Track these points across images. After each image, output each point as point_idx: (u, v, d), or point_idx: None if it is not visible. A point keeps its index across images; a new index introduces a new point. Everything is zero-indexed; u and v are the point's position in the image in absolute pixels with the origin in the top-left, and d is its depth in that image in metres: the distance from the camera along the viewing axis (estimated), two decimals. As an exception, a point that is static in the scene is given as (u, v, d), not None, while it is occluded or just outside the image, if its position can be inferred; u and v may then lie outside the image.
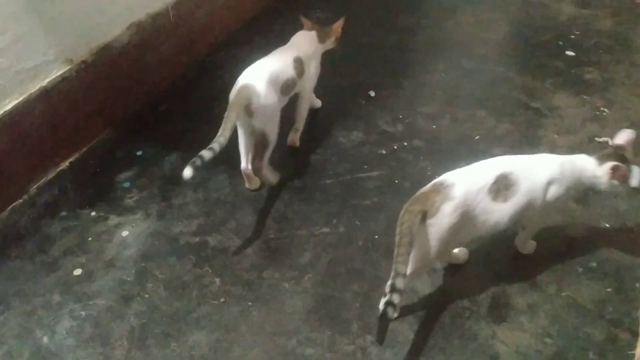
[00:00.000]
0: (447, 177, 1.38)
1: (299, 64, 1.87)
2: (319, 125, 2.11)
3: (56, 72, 1.87)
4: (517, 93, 2.19)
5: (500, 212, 1.37)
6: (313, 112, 2.15)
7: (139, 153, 2.01)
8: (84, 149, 2.01)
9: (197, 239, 1.69)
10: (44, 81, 1.84)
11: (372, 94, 2.23)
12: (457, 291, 1.51)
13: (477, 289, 1.51)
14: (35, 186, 1.87)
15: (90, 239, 1.71)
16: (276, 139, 1.78)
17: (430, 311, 1.47)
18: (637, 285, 1.49)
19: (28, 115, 1.80)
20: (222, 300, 1.52)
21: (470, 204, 1.34)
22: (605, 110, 2.07)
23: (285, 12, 2.77)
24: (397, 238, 1.30)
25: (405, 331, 1.42)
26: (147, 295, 1.54)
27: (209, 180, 1.88)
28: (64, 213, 1.79)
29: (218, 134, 1.61)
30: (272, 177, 1.83)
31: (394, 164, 1.91)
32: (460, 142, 1.98)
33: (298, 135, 2.01)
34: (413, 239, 1.30)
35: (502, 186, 1.36)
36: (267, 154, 1.77)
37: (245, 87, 1.71)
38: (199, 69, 2.42)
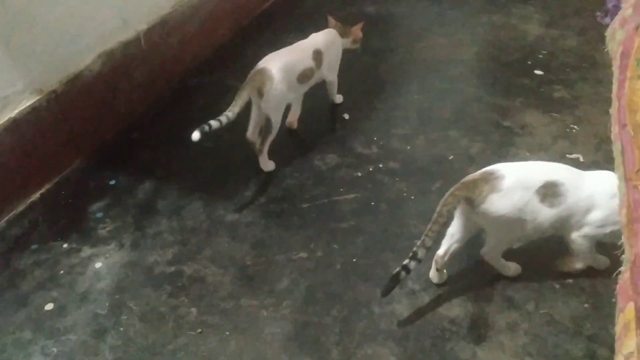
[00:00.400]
0: (499, 167, 1.44)
1: (318, 56, 2.06)
2: (295, 149, 2.11)
3: (25, 102, 1.84)
4: (489, 112, 2.22)
5: (544, 215, 1.41)
6: (288, 136, 2.16)
7: (112, 182, 1.98)
8: (56, 180, 1.98)
9: (172, 269, 1.66)
10: (13, 112, 1.81)
11: (347, 116, 2.24)
12: (437, 313, 1.50)
13: (456, 310, 1.50)
14: (4, 219, 1.82)
15: (62, 272, 1.67)
16: (277, 128, 1.95)
17: (411, 334, 1.46)
18: (613, 300, 1.50)
19: (6, 141, 1.77)
20: (199, 330, 1.49)
21: (517, 201, 1.39)
22: (575, 127, 2.11)
23: (256, 38, 2.79)
24: (434, 215, 1.41)
25: (386, 355, 1.41)
26: (122, 329, 1.50)
27: (183, 208, 1.86)
28: (34, 246, 1.75)
29: (228, 109, 1.81)
30: (267, 164, 2.00)
31: (370, 186, 1.91)
32: (435, 163, 1.99)
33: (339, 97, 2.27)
34: (448, 220, 1.43)
35: (550, 192, 1.41)
36: (268, 140, 1.96)
37: (261, 70, 1.90)
38: (172, 95, 2.41)
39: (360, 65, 2.55)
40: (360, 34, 2.21)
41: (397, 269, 1.40)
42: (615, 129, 1.26)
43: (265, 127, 1.95)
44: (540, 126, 2.13)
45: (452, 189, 1.43)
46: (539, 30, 2.73)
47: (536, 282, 1.56)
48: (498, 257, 1.55)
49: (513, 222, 1.43)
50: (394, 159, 2.02)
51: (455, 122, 2.17)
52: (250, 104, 1.92)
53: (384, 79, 2.47)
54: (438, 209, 1.41)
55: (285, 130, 2.18)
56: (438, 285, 1.57)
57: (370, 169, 1.98)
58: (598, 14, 2.72)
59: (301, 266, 1.65)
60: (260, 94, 1.87)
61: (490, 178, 1.42)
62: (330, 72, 2.17)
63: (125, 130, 2.20)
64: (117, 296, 1.59)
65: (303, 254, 1.68)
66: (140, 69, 2.27)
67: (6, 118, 1.79)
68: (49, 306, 1.58)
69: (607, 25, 1.73)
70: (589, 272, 1.56)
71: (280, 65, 1.91)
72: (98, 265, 1.68)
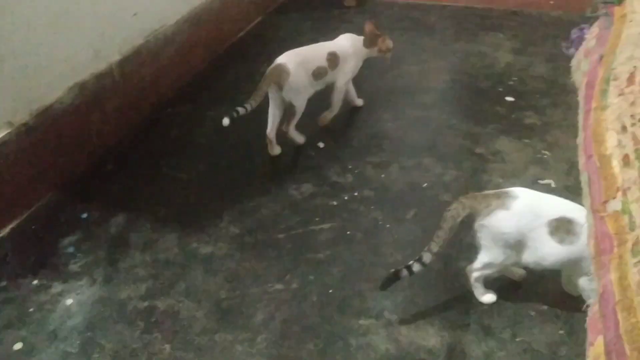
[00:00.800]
0: (516, 190, 1.45)
1: (334, 58, 2.21)
2: (271, 179, 2.11)
3: (-5, 136, 1.82)
4: (462, 139, 2.25)
5: (550, 249, 1.40)
6: (263, 165, 2.16)
7: (84, 215, 1.95)
8: (25, 214, 1.94)
9: (145, 304, 1.63)
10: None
11: (321, 145, 2.25)
12: (414, 343, 1.49)
13: (433, 340, 1.50)
14: (-28, 255, 1.78)
15: (31, 309, 1.63)
16: (302, 110, 2.16)
17: (388, 366, 1.45)
18: (585, 325, 1.51)
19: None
20: (174, 367, 1.46)
21: (524, 225, 1.38)
22: (546, 152, 2.14)
23: (231, 67, 2.80)
24: (441, 221, 1.45)
25: (363, 388, 1.39)
26: (93, 369, 1.47)
27: (156, 241, 1.84)
28: (3, 283, 1.71)
29: (249, 99, 2.03)
30: (298, 137, 2.22)
31: (345, 215, 1.91)
32: (409, 190, 2.00)
33: (329, 117, 2.33)
34: (454, 227, 1.44)
35: (563, 228, 1.39)
36: (294, 121, 2.17)
37: (278, 66, 2.10)
38: (146, 126, 2.40)
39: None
40: (387, 44, 2.31)
41: (401, 267, 1.46)
42: (582, 160, 1.28)
43: (289, 110, 2.14)
44: (513, 152, 2.16)
45: (460, 197, 1.46)
46: (509, 58, 2.79)
47: (512, 309, 1.56)
48: (481, 279, 1.55)
49: (512, 244, 1.43)
50: (369, 187, 2.02)
51: (429, 150, 2.20)
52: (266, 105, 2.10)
53: (357, 107, 2.49)
54: (443, 214, 1.46)
55: (260, 159, 2.18)
56: (413, 315, 1.56)
57: (346, 198, 1.98)
58: (563, 44, 2.79)
59: (277, 298, 1.63)
60: (280, 86, 2.08)
61: (502, 196, 1.44)
62: (340, 77, 2.26)
63: (98, 163, 2.18)
64: (89, 334, 1.55)
65: (279, 286, 1.67)
66: (113, 101, 2.26)
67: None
68: (18, 345, 1.53)
69: (572, 56, 1.77)
70: (564, 298, 1.57)
71: (296, 60, 2.10)
72: (69, 301, 1.64)
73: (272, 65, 2.11)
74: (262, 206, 1.97)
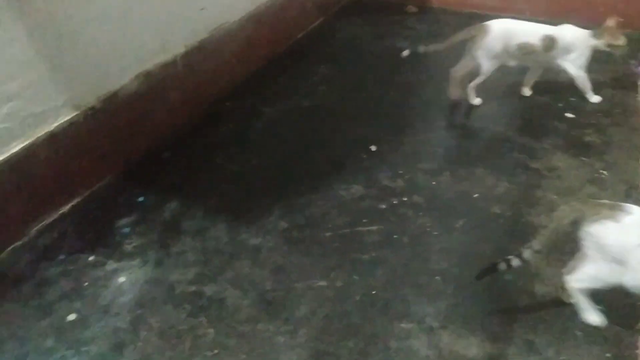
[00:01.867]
0: (631, 206, 1.41)
1: (549, 41, 2.30)
2: (320, 177, 2.13)
3: (63, 117, 1.91)
4: (517, 152, 2.21)
5: None
6: (313, 164, 2.18)
7: (141, 199, 2.02)
8: (86, 194, 2.03)
9: (193, 288, 1.68)
10: (52, 126, 1.88)
11: (374, 148, 2.26)
12: (454, 352, 1.48)
13: (474, 350, 1.48)
14: (35, 228, 1.88)
15: (86, 284, 1.70)
16: (487, 74, 2.32)
17: (427, 371, 1.44)
18: (637, 351, 1.47)
19: (34, 159, 1.83)
20: (216, 351, 1.50)
21: (630, 242, 1.34)
22: (604, 172, 2.09)
23: (290, 66, 2.85)
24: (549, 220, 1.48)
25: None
26: (140, 344, 1.52)
27: (207, 228, 1.89)
28: (62, 257, 1.79)
29: (440, 44, 2.31)
30: (473, 98, 2.41)
31: (393, 219, 1.92)
32: (460, 200, 1.99)
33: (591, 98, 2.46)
34: (560, 228, 1.43)
35: None
36: (477, 81, 2.35)
37: (483, 25, 2.28)
38: (204, 118, 2.46)
39: (387, 98, 2.58)
40: (616, 38, 2.32)
41: (499, 260, 1.47)
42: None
43: (475, 69, 2.31)
44: (569, 169, 2.11)
45: (571, 201, 1.47)
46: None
47: (557, 327, 1.53)
48: (583, 292, 1.48)
49: (613, 260, 1.36)
50: (419, 194, 2.02)
51: (482, 161, 2.17)
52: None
53: (411, 113, 2.49)
54: (551, 215, 1.50)
55: (312, 158, 2.21)
56: (454, 325, 1.55)
57: (395, 202, 1.99)
58: (632, 62, 2.70)
59: (320, 295, 1.65)
60: (474, 42, 2.26)
61: (615, 208, 1.40)
62: (571, 66, 2.39)
63: (157, 150, 2.26)
64: (138, 311, 1.61)
65: (323, 283, 1.69)
66: (175, 91, 2.34)
67: (44, 132, 1.86)
68: (72, 316, 1.61)
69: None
70: (613, 320, 1.53)
71: (503, 27, 2.27)
72: (122, 279, 1.71)
73: (482, 24, 2.29)
74: (312, 204, 2.00)
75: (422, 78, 2.73)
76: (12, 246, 1.81)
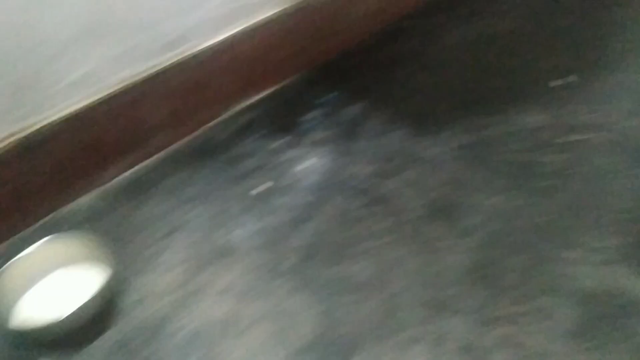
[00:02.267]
0: None
1: None
2: (503, 102, 2.07)
3: (266, 13, 2.03)
4: None
5: None
6: (496, 90, 2.12)
7: (327, 98, 2.13)
8: (275, 87, 2.19)
9: (369, 183, 1.77)
10: (257, 19, 2.02)
11: (569, 79, 2.13)
12: (622, 288, 1.41)
13: (651, 293, 1.41)
14: (236, 108, 2.08)
15: (272, 164, 1.87)
16: None
17: (592, 299, 1.40)
18: None
19: (248, 42, 2.00)
20: (387, 241, 1.58)
21: None
22: None
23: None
24: None
25: (558, 314, 1.38)
26: (315, 224, 1.66)
27: (386, 133, 1.95)
28: (255, 136, 1.97)
29: None
30: None
31: (579, 153, 1.81)
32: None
33: None
34: None
35: None
36: None
37: None
38: (389, 32, 2.48)
39: (592, 32, 2.38)
40: None
41: None
42: None
43: None
44: None
45: None
46: None
47: None
48: None
49: None
50: (612, 131, 1.88)
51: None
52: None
53: (618, 49, 2.28)
54: None
55: (493, 85, 2.14)
56: (630, 260, 1.47)
57: (584, 137, 1.88)
58: None
59: (491, 211, 1.65)
60: None
61: None
62: None
63: (347, 54, 2.34)
64: (316, 196, 1.74)
65: (495, 200, 1.68)
66: (362, 3, 2.37)
67: (246, 24, 2.00)
68: (256, 191, 1.79)
69: None
70: None
71: None
72: (304, 165, 1.85)
73: None
74: (493, 125, 1.95)
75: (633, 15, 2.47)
76: (214, 121, 2.03)
